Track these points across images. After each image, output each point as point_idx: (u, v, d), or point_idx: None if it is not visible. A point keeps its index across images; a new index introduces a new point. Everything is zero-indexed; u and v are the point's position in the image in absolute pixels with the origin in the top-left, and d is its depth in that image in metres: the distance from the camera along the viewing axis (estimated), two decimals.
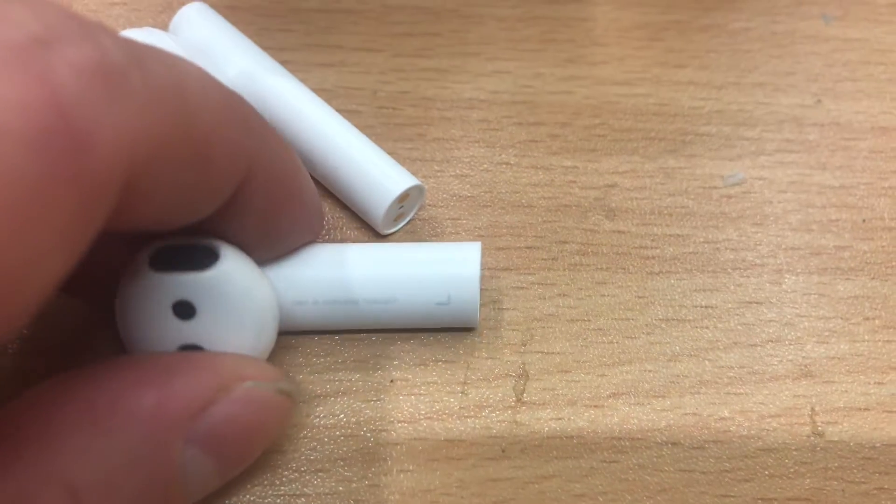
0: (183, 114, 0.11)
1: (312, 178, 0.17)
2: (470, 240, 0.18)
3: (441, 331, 0.17)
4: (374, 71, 0.20)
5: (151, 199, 0.12)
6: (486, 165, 0.19)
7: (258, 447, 0.15)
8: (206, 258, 0.14)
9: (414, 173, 0.18)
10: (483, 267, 0.18)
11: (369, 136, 0.18)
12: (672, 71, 0.21)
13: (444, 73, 0.20)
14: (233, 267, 0.14)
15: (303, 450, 0.16)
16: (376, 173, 0.17)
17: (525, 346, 0.17)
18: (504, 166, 0.19)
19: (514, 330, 0.18)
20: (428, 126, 0.20)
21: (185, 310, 0.14)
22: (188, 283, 0.14)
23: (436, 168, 0.19)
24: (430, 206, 0.19)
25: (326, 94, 0.19)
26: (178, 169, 0.12)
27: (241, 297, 0.14)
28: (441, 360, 0.17)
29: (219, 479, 0.15)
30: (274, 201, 0.14)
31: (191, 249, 0.14)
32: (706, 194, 0.19)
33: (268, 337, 0.15)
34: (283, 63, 0.19)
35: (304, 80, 0.19)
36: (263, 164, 0.14)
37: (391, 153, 0.18)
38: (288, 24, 0.20)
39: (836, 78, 0.21)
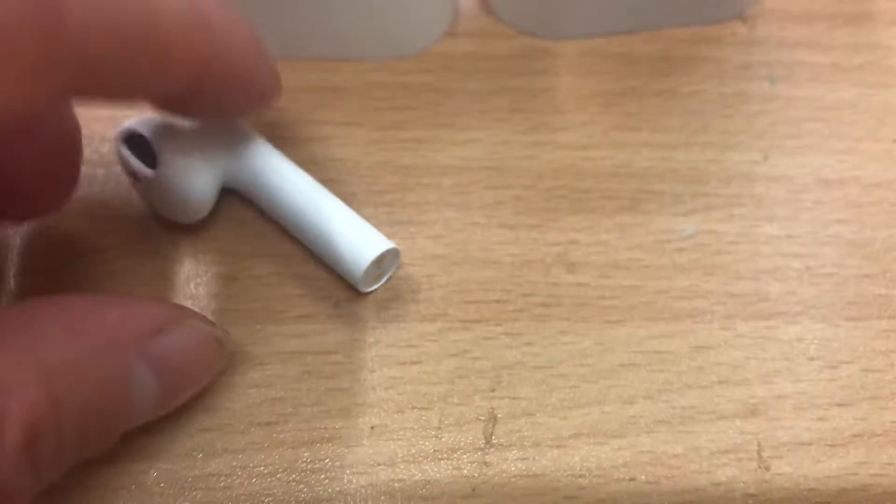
0: (145, 13, 0.14)
1: (300, 241, 0.20)
2: (441, 296, 0.20)
3: (418, 381, 0.19)
4: (357, 143, 0.22)
5: (108, 80, 0.14)
6: (458, 226, 0.21)
7: (194, 381, 0.18)
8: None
9: (392, 235, 0.20)
10: (455, 320, 0.20)
11: (352, 202, 0.20)
12: (628, 134, 0.23)
13: (420, 142, 0.22)
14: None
15: (292, 492, 0.18)
16: (355, 239, 0.19)
17: (494, 392, 0.19)
18: (474, 226, 0.21)
19: (483, 378, 0.19)
20: (405, 192, 0.22)
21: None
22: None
23: (412, 230, 0.21)
24: (407, 264, 0.21)
25: (315, 165, 0.21)
26: (136, 59, 0.14)
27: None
28: (417, 407, 0.19)
29: (159, 403, 0.17)
30: (228, 85, 0.17)
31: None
32: (660, 248, 0.21)
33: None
34: (277, 138, 0.21)
35: (294, 153, 0.21)
36: (220, 56, 0.16)
37: (372, 217, 0.20)
38: (280, 101, 0.22)
39: (781, 135, 0.23)
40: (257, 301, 0.20)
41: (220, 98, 0.17)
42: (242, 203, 0.21)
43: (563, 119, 0.23)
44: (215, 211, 0.21)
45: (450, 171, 0.22)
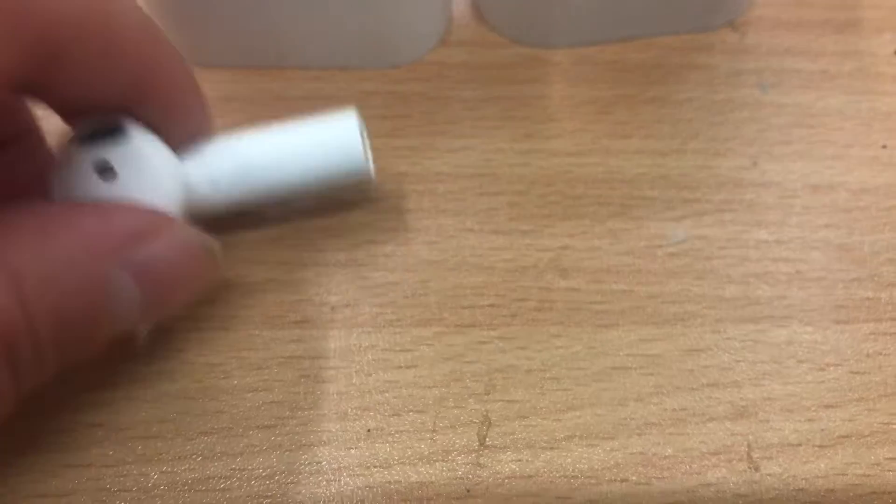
0: (104, 14, 0.15)
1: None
2: (436, 301, 0.21)
3: (413, 385, 0.19)
4: None
5: (63, 65, 0.15)
6: (452, 232, 0.22)
7: (181, 290, 0.18)
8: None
9: (388, 241, 0.21)
10: (449, 324, 0.20)
11: (349, 209, 0.21)
12: (620, 141, 0.23)
13: (414, 150, 0.23)
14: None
15: (290, 494, 0.18)
16: (329, 130, 0.20)
17: (488, 395, 0.20)
18: (468, 232, 0.22)
19: (477, 381, 0.20)
20: (401, 199, 0.22)
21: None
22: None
23: (409, 236, 0.22)
24: (402, 270, 0.21)
25: None
26: (91, 47, 0.15)
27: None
28: (412, 410, 0.19)
29: (143, 313, 0.17)
30: (172, 99, 0.18)
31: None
32: (651, 253, 0.21)
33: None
34: None
35: None
36: (165, 71, 0.17)
37: (368, 224, 0.21)
38: (276, 111, 0.22)
39: (771, 141, 0.23)
40: (254, 307, 0.20)
41: (166, 109, 0.18)
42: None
43: (556, 126, 0.23)
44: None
45: (444, 178, 0.22)
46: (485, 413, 0.19)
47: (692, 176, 0.23)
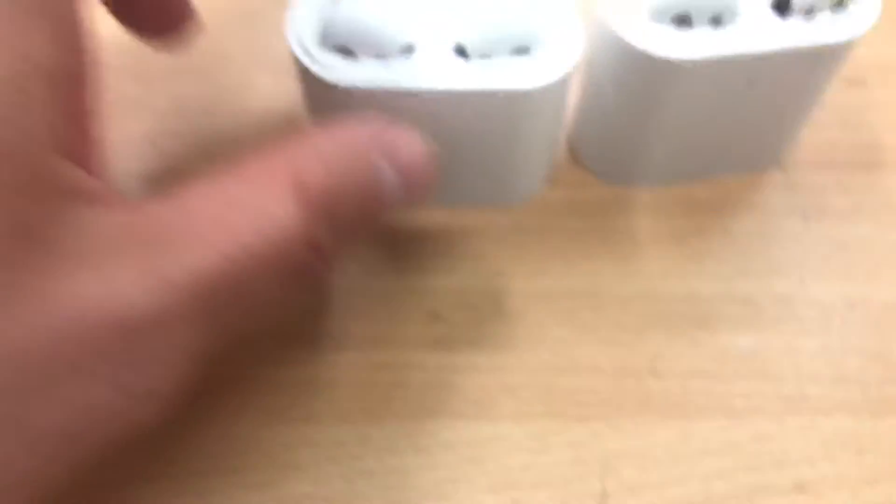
0: None
1: None
2: (560, 397, 0.27)
3: (545, 465, 0.25)
4: (481, 275, 0.29)
5: None
6: (568, 341, 0.28)
7: (421, 188, 0.22)
8: None
9: (516, 347, 0.27)
10: (569, 416, 0.26)
11: (478, 323, 0.27)
12: (695, 265, 0.29)
13: (533, 274, 0.29)
14: None
15: None
16: None
17: (603, 476, 0.25)
18: (581, 342, 0.28)
19: (594, 464, 0.25)
20: (526, 314, 0.28)
21: None
22: None
23: (534, 344, 0.27)
24: (530, 372, 0.27)
25: (446, 293, 0.28)
26: None
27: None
28: (544, 484, 0.25)
29: (401, 195, 0.22)
30: None
31: None
32: (725, 358, 0.27)
33: None
34: (415, 269, 0.28)
35: (430, 281, 0.27)
36: None
37: (502, 333, 0.27)
38: (412, 243, 0.29)
39: (815, 265, 0.29)
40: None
41: None
42: None
43: (644, 253, 0.29)
44: None
45: (559, 297, 0.28)
46: (602, 490, 0.25)
47: (753, 294, 0.29)
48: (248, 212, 0.18)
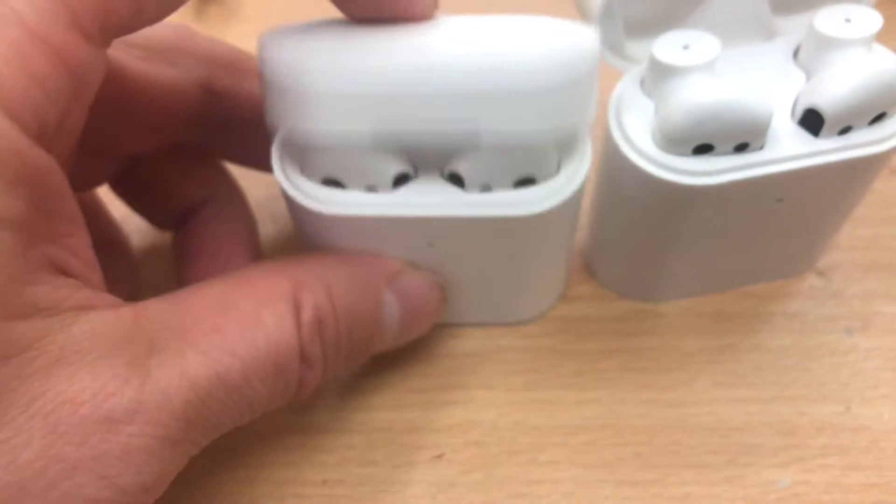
0: None
1: None
2: None
3: None
4: (492, 405, 0.26)
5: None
6: (586, 482, 0.25)
7: (424, 317, 0.24)
8: None
9: (530, 494, 0.24)
10: None
11: (494, 463, 0.24)
12: (727, 390, 0.26)
13: (547, 403, 0.26)
14: None
15: None
16: None
17: None
18: (601, 483, 0.25)
19: None
20: (539, 452, 0.26)
21: None
22: None
23: (550, 487, 0.25)
24: None
25: (457, 426, 0.26)
26: None
27: None
28: None
29: (399, 331, 0.23)
30: None
31: None
32: (762, 499, 0.25)
33: None
34: (420, 398, 0.26)
35: (435, 418, 0.25)
36: None
37: (511, 477, 0.24)
38: (424, 368, 0.27)
39: (860, 385, 0.26)
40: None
41: None
42: None
43: (669, 377, 0.27)
44: None
45: (575, 430, 0.26)
46: None
47: (792, 422, 0.26)
48: (245, 321, 0.19)
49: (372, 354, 0.23)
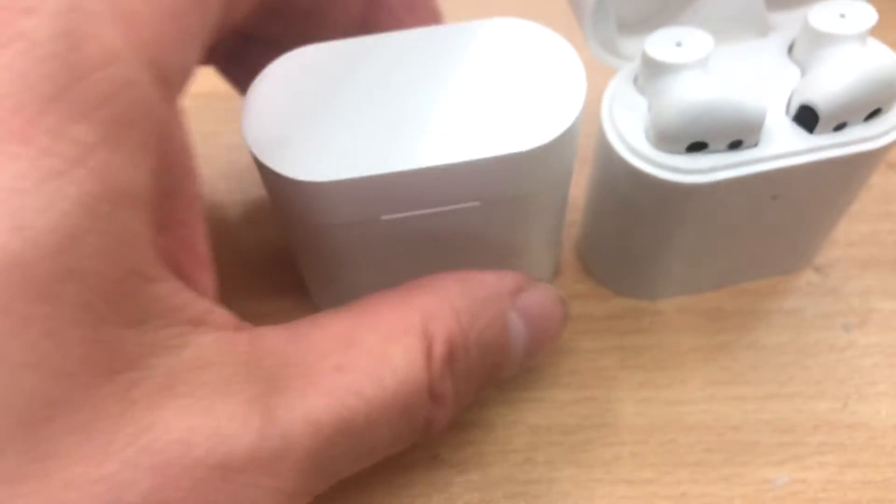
0: None
1: None
2: None
3: None
4: (488, 404, 0.26)
5: None
6: (582, 483, 0.25)
7: (549, 334, 0.22)
8: None
9: (525, 493, 0.24)
10: None
11: (488, 462, 0.24)
12: (723, 388, 0.26)
13: (543, 401, 0.26)
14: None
15: None
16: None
17: None
18: (597, 483, 0.25)
19: None
20: (535, 451, 0.25)
21: None
22: None
23: (543, 488, 0.25)
24: None
25: (453, 427, 0.26)
26: None
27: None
28: None
29: (525, 351, 0.21)
30: None
31: None
32: (759, 497, 0.24)
33: None
34: None
35: None
36: None
37: (508, 477, 0.24)
38: None
39: (858, 382, 0.26)
40: None
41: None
42: None
43: (666, 375, 0.27)
44: None
45: (572, 429, 0.26)
46: None
47: (790, 420, 0.26)
48: (372, 359, 0.17)
49: (498, 384, 0.22)
